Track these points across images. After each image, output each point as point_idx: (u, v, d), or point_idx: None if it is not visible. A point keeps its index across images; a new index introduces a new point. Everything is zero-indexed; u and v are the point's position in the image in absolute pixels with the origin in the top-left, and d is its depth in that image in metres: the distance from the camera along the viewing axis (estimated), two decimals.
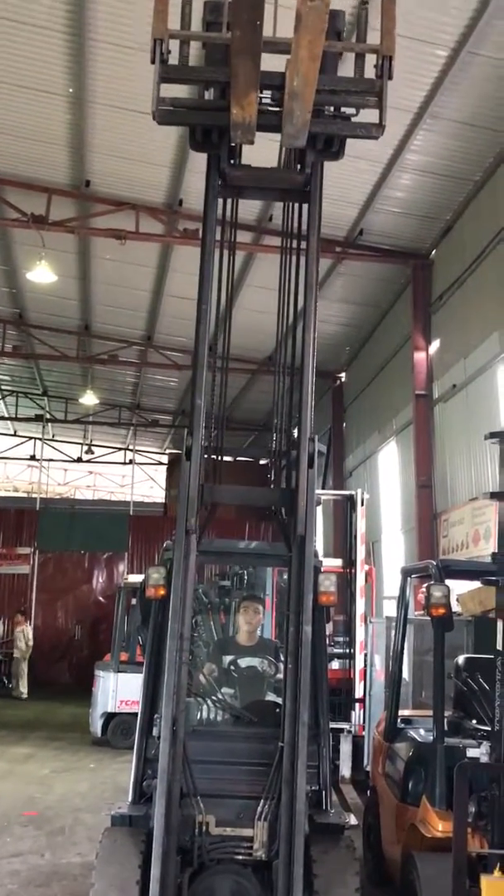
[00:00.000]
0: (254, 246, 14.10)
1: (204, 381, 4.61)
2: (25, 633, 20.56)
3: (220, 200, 4.95)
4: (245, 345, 16.89)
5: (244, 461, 25.04)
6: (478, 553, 11.77)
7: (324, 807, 4.82)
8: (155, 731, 4.82)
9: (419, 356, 14.82)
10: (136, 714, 5.12)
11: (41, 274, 15.16)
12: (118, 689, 12.28)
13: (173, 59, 4.47)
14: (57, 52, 10.87)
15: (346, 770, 10.00)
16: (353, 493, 11.77)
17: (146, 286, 16.95)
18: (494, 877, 3.96)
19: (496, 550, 4.75)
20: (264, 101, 4.40)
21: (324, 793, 4.85)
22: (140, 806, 4.80)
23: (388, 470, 17.65)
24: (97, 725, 12.52)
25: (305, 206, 4.86)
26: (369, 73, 4.55)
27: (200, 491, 4.54)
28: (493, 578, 4.66)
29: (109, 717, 12.41)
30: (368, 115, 4.58)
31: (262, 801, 4.47)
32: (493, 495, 4.75)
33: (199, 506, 4.53)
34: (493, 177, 12.18)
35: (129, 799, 4.91)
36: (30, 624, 22.12)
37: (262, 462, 23.69)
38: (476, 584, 8.49)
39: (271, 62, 4.11)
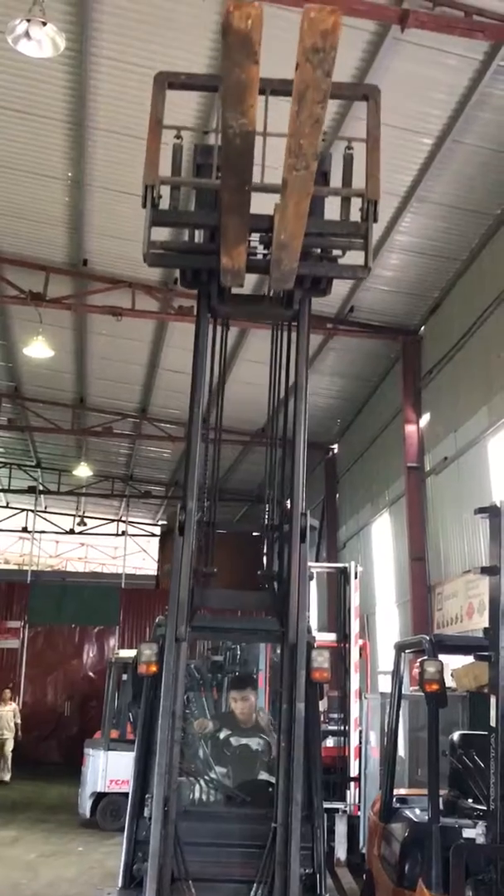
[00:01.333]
0: (247, 322, 14.42)
1: (197, 459, 4.72)
2: (14, 712, 19.90)
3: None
4: (238, 416, 17.09)
5: (236, 534, 24.99)
6: (472, 626, 11.71)
7: (318, 891, 4.70)
8: (146, 812, 4.73)
9: (410, 429, 15.01)
10: (126, 794, 5.03)
11: (38, 349, 15.43)
12: (108, 768, 12.02)
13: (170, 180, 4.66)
14: (57, 139, 11.32)
15: (341, 852, 9.73)
16: (346, 565, 11.75)
17: (141, 360, 17.24)
18: None
19: (488, 625, 4.76)
20: (253, 244, 4.55)
21: (318, 876, 4.72)
22: (130, 891, 4.67)
23: (382, 541, 17.64)
24: (86, 806, 12.20)
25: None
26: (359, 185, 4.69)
27: (191, 597, 4.58)
28: (486, 654, 4.68)
29: (99, 797, 12.11)
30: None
31: (255, 884, 4.37)
32: (484, 570, 4.80)
33: (189, 612, 4.56)
34: (479, 257, 12.57)
35: (119, 884, 4.78)
36: (17, 702, 21.63)
37: (255, 534, 23.65)
38: (470, 659, 8.46)
39: (261, 203, 4.26)
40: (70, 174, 12.00)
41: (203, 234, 4.81)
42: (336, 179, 4.81)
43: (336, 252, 4.79)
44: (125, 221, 12.86)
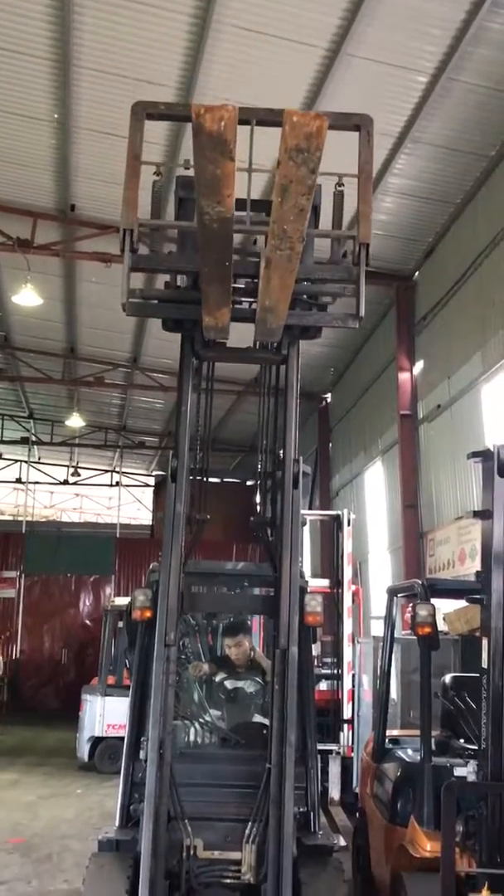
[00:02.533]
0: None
1: (189, 408, 4.65)
2: None
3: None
4: (231, 366, 16.98)
5: (230, 483, 25.04)
6: (464, 572, 11.81)
7: (312, 829, 4.80)
8: (142, 755, 4.79)
9: (403, 377, 14.93)
10: (123, 738, 5.09)
11: (26, 297, 15.22)
12: (105, 713, 12.19)
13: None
14: (42, 77, 10.99)
15: (335, 792, 9.93)
16: (339, 513, 11.78)
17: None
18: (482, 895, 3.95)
19: (480, 569, 4.77)
20: (238, 286, 4.34)
21: (312, 814, 4.82)
22: (127, 830, 4.76)
23: (375, 489, 17.70)
24: (84, 750, 12.41)
25: None
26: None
27: (180, 600, 4.57)
28: (478, 597, 4.69)
29: (96, 742, 12.31)
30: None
31: (249, 823, 4.45)
32: (477, 514, 4.78)
33: (178, 617, 4.55)
34: (474, 200, 12.36)
35: (116, 824, 4.87)
36: (14, 651, 21.84)
37: (248, 484, 23.70)
38: (462, 603, 8.54)
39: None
40: (56, 115, 11.69)
41: (186, 279, 4.58)
42: (326, 206, 4.60)
43: (326, 298, 4.61)
44: (113, 164, 12.54)
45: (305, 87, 10.50)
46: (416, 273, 14.85)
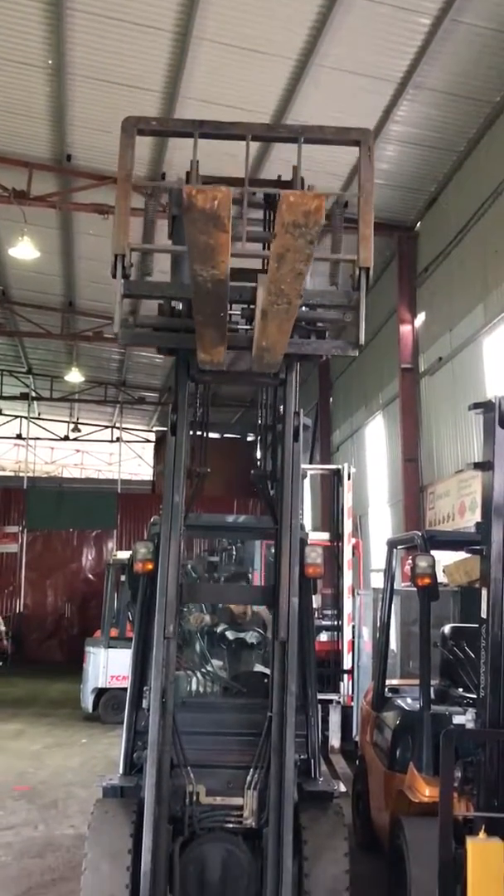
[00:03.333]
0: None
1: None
2: None
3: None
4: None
5: (231, 438, 25.06)
6: (464, 525, 11.86)
7: (313, 775, 4.88)
8: (144, 704, 4.86)
9: (405, 329, 14.82)
10: (126, 689, 5.15)
11: (24, 250, 15.02)
12: (108, 665, 12.35)
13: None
14: (35, 22, 10.70)
15: (335, 740, 10.11)
16: (339, 467, 11.80)
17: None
18: (480, 838, 4.02)
19: (480, 520, 4.77)
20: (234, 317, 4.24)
21: (312, 761, 4.91)
22: (131, 777, 4.84)
23: (375, 444, 17.70)
24: (88, 701, 12.60)
25: None
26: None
27: (179, 592, 4.57)
28: (478, 548, 4.70)
29: (100, 693, 12.49)
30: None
31: (251, 770, 4.53)
32: (477, 465, 4.77)
33: (177, 610, 4.55)
34: (477, 148, 12.13)
35: (120, 771, 4.96)
36: (17, 605, 22.08)
37: (249, 439, 23.71)
38: (462, 555, 8.58)
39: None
40: (50, 62, 11.40)
41: (182, 305, 4.44)
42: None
43: (325, 323, 4.51)
44: (110, 113, 12.31)
45: (305, 30, 10.23)
46: (418, 223, 14.64)
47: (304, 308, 4.34)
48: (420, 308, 14.71)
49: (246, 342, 4.24)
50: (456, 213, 12.93)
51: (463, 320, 12.70)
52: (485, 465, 4.73)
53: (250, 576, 10.79)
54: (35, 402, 27.17)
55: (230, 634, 5.67)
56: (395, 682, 7.23)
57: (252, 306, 4.12)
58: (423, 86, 11.10)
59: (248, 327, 4.28)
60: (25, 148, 13.67)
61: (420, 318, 14.71)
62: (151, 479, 27.93)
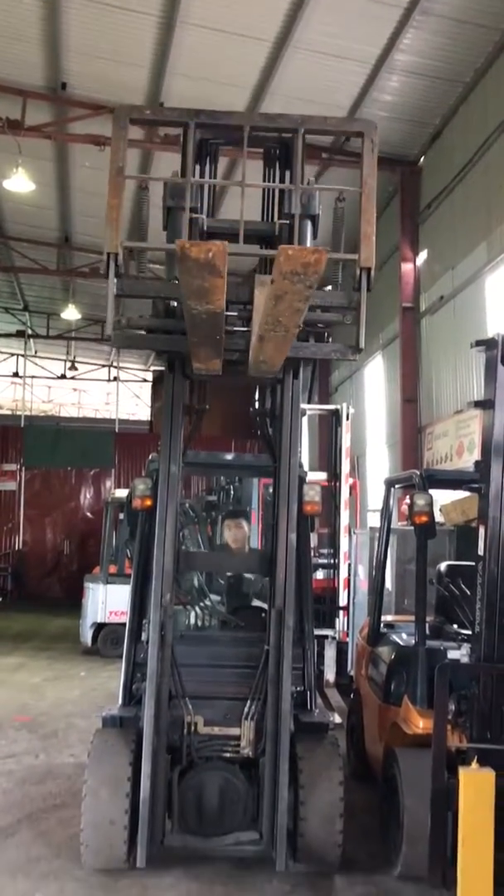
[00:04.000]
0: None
1: None
2: None
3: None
4: (235, 259, 16.64)
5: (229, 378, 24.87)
6: (462, 465, 11.89)
7: (308, 707, 4.98)
8: (143, 637, 4.92)
9: (406, 268, 14.63)
10: (125, 624, 5.20)
11: (18, 182, 14.70)
12: (107, 601, 12.48)
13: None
14: None
15: (330, 675, 10.27)
16: (338, 407, 11.75)
17: (126, 195, 16.44)
18: (472, 768, 4.12)
19: (480, 459, 4.77)
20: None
21: (308, 693, 4.99)
22: (130, 708, 4.93)
23: (374, 384, 17.63)
24: (87, 635, 12.78)
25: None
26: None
27: (176, 560, 4.61)
28: (476, 486, 4.70)
29: (99, 628, 12.66)
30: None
31: (248, 701, 4.61)
32: (478, 404, 4.74)
33: (173, 579, 4.62)
34: (484, 79, 11.80)
35: (119, 702, 5.04)
36: (17, 542, 22.24)
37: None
38: (459, 494, 8.61)
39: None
40: None
41: (178, 304, 4.29)
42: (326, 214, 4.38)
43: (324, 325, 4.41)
44: (106, 38, 11.95)
45: None
46: (422, 158, 14.33)
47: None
48: (422, 245, 14.49)
49: (243, 345, 4.16)
50: (461, 148, 12.64)
51: (466, 258, 12.52)
52: (485, 404, 4.69)
53: (248, 512, 10.83)
54: (31, 339, 26.93)
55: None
56: (390, 618, 7.31)
57: (249, 307, 4.03)
58: (431, 11, 10.74)
59: (244, 328, 4.18)
60: (19, 75, 13.29)
61: (422, 257, 14.50)
62: (149, 419, 27.86)
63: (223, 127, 4.56)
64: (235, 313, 4.15)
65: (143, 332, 4.52)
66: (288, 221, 4.35)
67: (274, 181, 4.81)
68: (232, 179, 13.91)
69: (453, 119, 12.95)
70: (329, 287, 4.53)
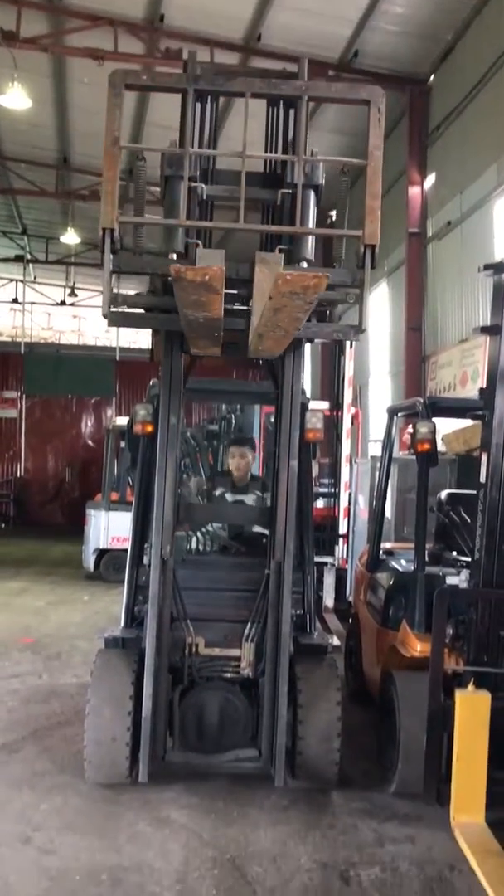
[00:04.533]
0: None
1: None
2: None
3: None
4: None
5: None
6: (465, 395, 11.82)
7: (308, 630, 5.04)
8: (145, 561, 4.95)
9: (414, 191, 14.28)
10: (127, 550, 5.24)
11: (14, 98, 14.24)
12: (109, 527, 12.60)
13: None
14: None
15: (329, 600, 10.43)
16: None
17: (126, 113, 15.90)
18: (468, 690, 4.19)
19: (485, 386, 4.71)
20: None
21: (308, 617, 5.06)
22: (132, 629, 4.99)
23: (378, 312, 17.39)
24: (90, 561, 12.94)
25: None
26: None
27: (176, 513, 4.56)
28: (480, 413, 4.67)
29: (101, 553, 12.80)
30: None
31: (248, 624, 4.67)
32: (485, 329, 4.67)
33: (173, 531, 4.61)
34: None
35: (122, 623, 5.11)
36: (19, 469, 22.34)
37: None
38: (461, 424, 8.58)
39: None
40: None
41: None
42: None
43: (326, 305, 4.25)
44: None
45: None
46: (432, 77, 13.83)
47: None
48: (430, 169, 14.12)
49: (243, 325, 4.03)
50: (472, 66, 12.18)
51: (474, 182, 12.20)
52: (492, 329, 4.63)
53: (253, 440, 10.81)
54: (30, 264, 26.51)
55: (229, 496, 5.72)
56: (389, 545, 7.37)
57: (250, 284, 3.89)
58: None
59: (244, 307, 4.04)
60: None
61: (430, 180, 14.14)
62: (150, 347, 27.63)
63: (223, 93, 4.41)
64: (235, 292, 4.03)
65: (141, 311, 4.45)
66: (290, 191, 4.20)
67: (277, 122, 4.62)
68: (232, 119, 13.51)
69: (465, 35, 12.44)
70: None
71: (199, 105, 4.36)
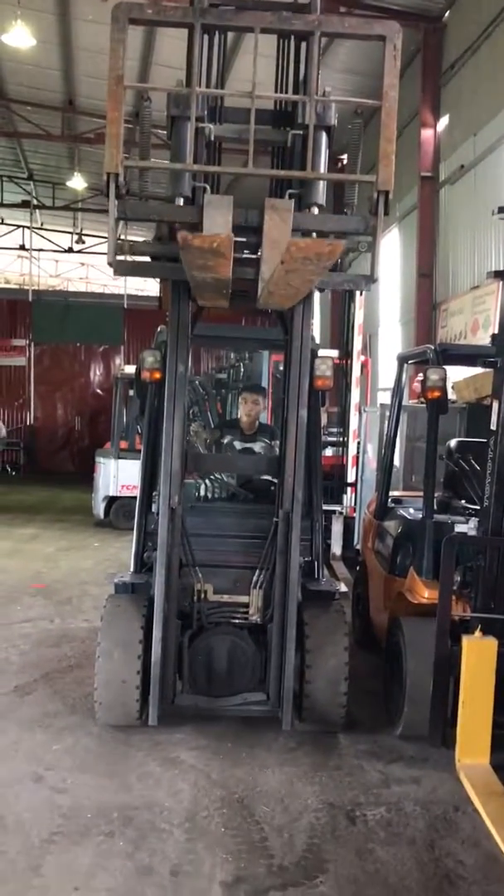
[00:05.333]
0: None
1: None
2: None
3: None
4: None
5: None
6: (476, 342, 11.70)
7: (316, 576, 5.07)
8: (154, 509, 4.97)
9: (426, 134, 13.95)
10: (136, 497, 5.25)
11: (18, 36, 13.88)
12: (119, 475, 12.64)
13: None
14: None
15: (337, 548, 10.48)
16: None
17: (133, 54, 15.56)
18: (475, 636, 4.23)
19: (496, 332, 4.65)
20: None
21: (316, 563, 5.08)
22: (142, 575, 5.04)
23: (389, 259, 17.13)
24: (100, 508, 13.01)
25: None
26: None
27: (184, 461, 4.49)
28: (492, 359, 4.62)
29: (111, 501, 12.87)
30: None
31: (257, 571, 4.69)
32: (498, 274, 4.59)
33: (181, 480, 4.59)
34: None
35: (131, 569, 5.15)
36: (28, 417, 22.39)
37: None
38: (471, 372, 8.51)
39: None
40: None
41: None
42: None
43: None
44: None
45: None
46: (446, 14, 13.39)
47: (314, 235, 4.00)
48: (444, 110, 13.77)
49: (252, 274, 3.89)
50: (488, 1, 11.77)
51: (489, 123, 11.90)
52: None
53: (263, 392, 10.78)
54: (37, 210, 26.16)
55: (238, 444, 5.71)
56: (397, 493, 7.37)
57: (259, 234, 3.75)
58: None
59: (253, 255, 3.89)
60: None
61: (443, 123, 13.81)
62: (158, 294, 27.40)
63: (232, 28, 4.22)
64: (244, 239, 3.91)
65: (147, 259, 4.36)
66: (301, 132, 4.07)
67: (288, 59, 4.47)
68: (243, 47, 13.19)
69: None
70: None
71: (206, 41, 4.22)
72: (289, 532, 4.46)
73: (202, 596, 4.72)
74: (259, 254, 3.87)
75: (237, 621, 4.76)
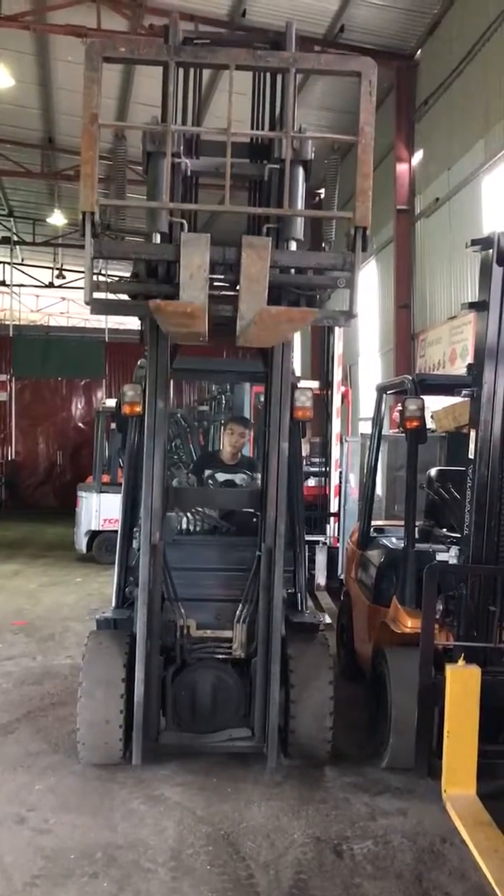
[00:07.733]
0: None
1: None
2: None
3: None
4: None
5: None
6: (454, 372, 11.82)
7: (299, 608, 5.06)
8: (135, 544, 4.95)
9: (401, 168, 14.20)
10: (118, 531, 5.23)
11: None
12: (101, 509, 12.60)
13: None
14: None
15: (321, 578, 10.48)
16: None
17: (111, 93, 15.80)
18: (459, 665, 4.22)
19: (473, 362, 4.71)
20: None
21: (299, 595, 5.07)
22: (123, 610, 5.00)
23: (367, 291, 17.33)
24: (82, 543, 12.94)
25: None
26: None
27: (165, 498, 4.52)
28: (469, 390, 4.67)
29: (94, 535, 12.80)
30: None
31: (240, 605, 4.68)
32: (473, 305, 4.66)
33: (163, 517, 4.58)
34: None
35: (113, 604, 5.11)
36: (9, 453, 22.27)
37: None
38: (451, 401, 8.59)
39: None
40: None
41: (160, 268, 4.01)
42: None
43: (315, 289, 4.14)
44: None
45: None
46: (419, 52, 13.71)
47: (292, 271, 4.06)
48: (418, 145, 14.03)
49: (230, 311, 3.87)
50: (459, 40, 12.09)
51: (462, 158, 12.14)
52: (479, 305, 4.62)
53: (249, 424, 10.81)
54: (17, 246, 26.28)
55: (220, 476, 5.72)
56: (380, 523, 7.39)
57: (235, 293, 3.81)
58: None
59: (232, 293, 3.91)
60: None
61: (417, 157, 14.07)
62: (139, 328, 27.50)
63: (206, 65, 4.22)
64: (221, 276, 3.94)
65: (125, 298, 4.34)
66: (278, 166, 4.09)
67: (264, 95, 4.53)
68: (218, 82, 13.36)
69: (452, 7, 12.34)
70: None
71: (182, 78, 4.28)
72: (272, 567, 4.46)
73: (185, 631, 4.68)
74: (237, 290, 3.91)
75: (221, 656, 4.73)
